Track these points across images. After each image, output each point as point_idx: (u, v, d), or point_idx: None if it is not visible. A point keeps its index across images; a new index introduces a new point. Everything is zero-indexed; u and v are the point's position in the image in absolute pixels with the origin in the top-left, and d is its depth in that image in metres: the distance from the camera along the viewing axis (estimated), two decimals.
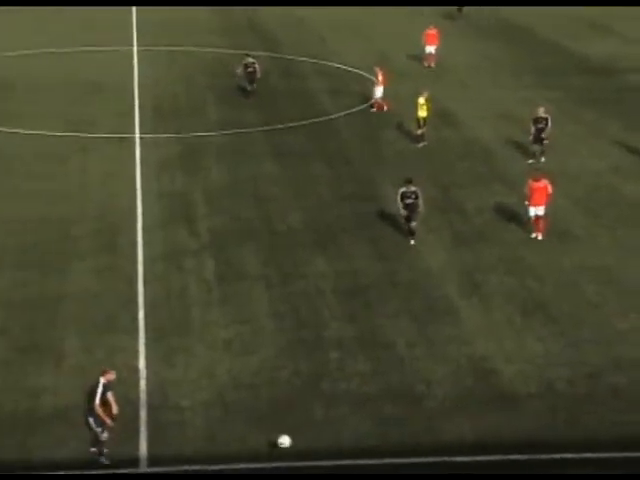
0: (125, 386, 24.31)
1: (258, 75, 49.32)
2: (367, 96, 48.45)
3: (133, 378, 24.76)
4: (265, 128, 45.52)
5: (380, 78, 47.60)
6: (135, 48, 61.08)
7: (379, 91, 47.51)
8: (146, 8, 73.18)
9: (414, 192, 32.61)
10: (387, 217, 35.25)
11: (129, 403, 23.64)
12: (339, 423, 23.25)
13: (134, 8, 73.65)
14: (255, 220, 35.19)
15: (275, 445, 21.83)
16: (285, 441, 21.83)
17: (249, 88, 49.53)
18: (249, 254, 32.26)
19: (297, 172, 40.09)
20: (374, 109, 47.55)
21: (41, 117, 46.39)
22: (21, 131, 44.20)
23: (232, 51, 61.05)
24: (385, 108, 47.46)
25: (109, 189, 37.68)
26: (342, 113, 47.54)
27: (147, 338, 26.73)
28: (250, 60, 49.47)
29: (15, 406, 23.59)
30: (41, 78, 53.38)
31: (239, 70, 49.79)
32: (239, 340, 26.88)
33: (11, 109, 47.69)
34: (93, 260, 31.46)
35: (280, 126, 45.72)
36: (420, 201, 32.62)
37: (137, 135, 44.08)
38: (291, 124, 46.01)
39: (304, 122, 46.37)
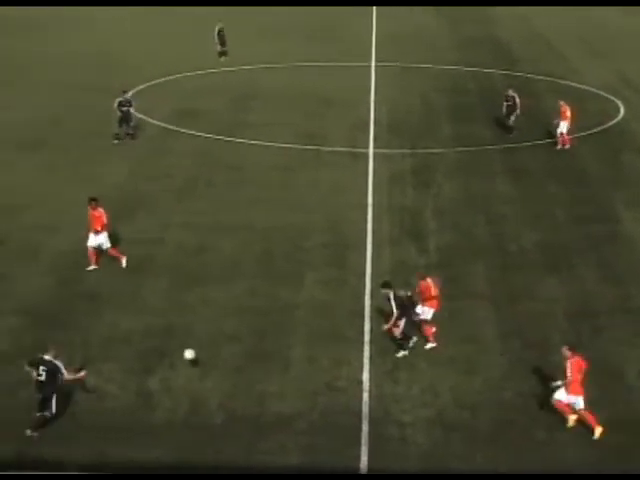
0: (348, 397, 24.63)
1: (517, 110, 46.03)
2: (606, 117, 47.09)
3: (356, 390, 24.97)
4: (499, 146, 45.09)
5: (568, 114, 44.74)
6: (373, 63, 61.76)
7: (563, 126, 44.52)
8: (385, 24, 74.01)
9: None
10: (622, 240, 34.28)
11: (351, 415, 23.89)
12: (561, 447, 22.73)
13: (374, 22, 74.60)
14: (485, 238, 34.88)
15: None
16: (188, 354, 25.34)
17: (507, 123, 46.51)
18: (478, 272, 31.99)
19: (531, 192, 39.50)
20: (559, 146, 44.72)
21: (277, 129, 47.49)
22: (258, 142, 45.37)
23: (468, 68, 60.92)
24: (567, 145, 44.60)
25: (340, 202, 38.17)
26: (579, 134, 46.46)
27: (372, 351, 26.89)
28: (510, 93, 46.55)
29: (244, 411, 24.19)
30: (281, 91, 54.70)
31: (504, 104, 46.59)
32: (463, 358, 26.68)
33: (250, 120, 49.05)
34: (323, 271, 31.90)
35: (514, 145, 45.18)
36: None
37: (371, 149, 44.49)
38: (526, 143, 45.39)
39: (539, 141, 45.64)
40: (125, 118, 44.79)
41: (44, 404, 23.34)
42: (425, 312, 27.31)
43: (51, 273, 31.49)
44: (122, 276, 31.46)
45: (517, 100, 46.36)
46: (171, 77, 57.36)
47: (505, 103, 46.71)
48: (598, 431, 22.94)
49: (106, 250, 31.91)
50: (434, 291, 27.39)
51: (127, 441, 22.83)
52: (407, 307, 26.69)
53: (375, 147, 44.81)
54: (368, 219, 36.27)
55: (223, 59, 62.15)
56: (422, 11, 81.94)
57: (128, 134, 45.10)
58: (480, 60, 63.17)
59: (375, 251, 33.43)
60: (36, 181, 39.60)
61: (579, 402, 23.21)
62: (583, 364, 23.28)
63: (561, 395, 23.37)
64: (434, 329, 27.37)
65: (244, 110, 51.13)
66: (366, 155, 43.70)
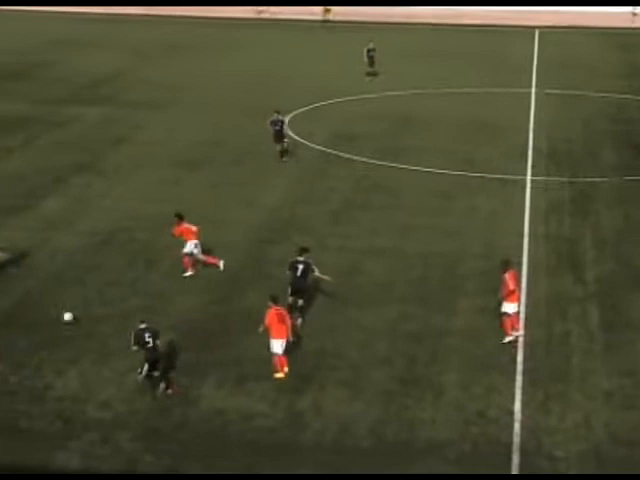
0: (498, 428, 24.25)
1: None
2: None
3: (507, 420, 24.54)
4: None
5: None
6: (533, 90, 61.01)
7: None
8: (546, 48, 73.12)
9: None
10: None
11: (501, 445, 23.52)
12: None
13: (536, 47, 73.78)
14: None
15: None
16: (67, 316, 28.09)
17: None
18: (638, 304, 31.12)
19: None
20: None
21: (435, 154, 47.29)
22: (415, 167, 45.26)
23: (633, 96, 59.57)
24: None
25: (495, 229, 37.70)
26: None
27: (524, 381, 26.41)
28: None
29: (393, 436, 24.04)
30: (439, 116, 54.51)
31: None
32: (620, 393, 25.94)
33: (408, 145, 48.99)
34: (477, 298, 31.49)
35: None
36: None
37: (528, 177, 43.88)
38: None
39: None
40: (278, 136, 46.14)
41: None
42: (505, 306, 28.08)
43: (207, 292, 31.98)
44: None
45: None
46: (331, 101, 57.82)
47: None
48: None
49: (195, 255, 33.43)
50: (511, 285, 27.90)
51: (275, 460, 22.96)
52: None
53: (533, 175, 44.17)
54: (524, 247, 35.72)
55: (369, 79, 62.72)
56: (585, 36, 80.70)
57: (283, 150, 46.25)
58: None
59: (531, 280, 32.86)
60: (197, 201, 40.29)
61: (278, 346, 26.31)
62: (283, 315, 26.40)
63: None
64: (513, 324, 28.00)
65: (402, 135, 51.10)
66: (524, 182, 43.11)
